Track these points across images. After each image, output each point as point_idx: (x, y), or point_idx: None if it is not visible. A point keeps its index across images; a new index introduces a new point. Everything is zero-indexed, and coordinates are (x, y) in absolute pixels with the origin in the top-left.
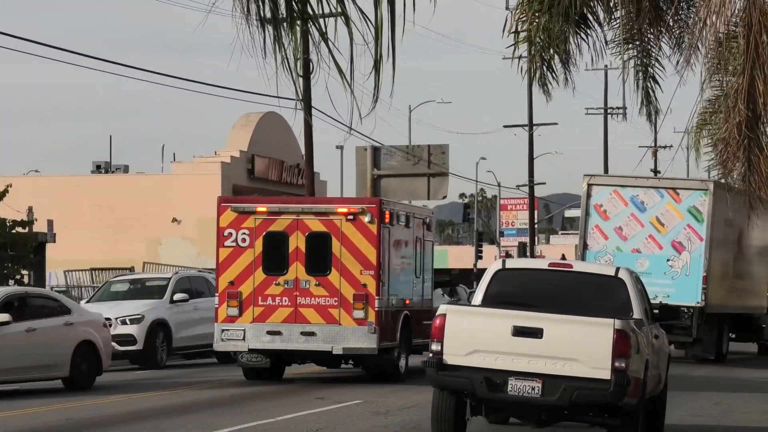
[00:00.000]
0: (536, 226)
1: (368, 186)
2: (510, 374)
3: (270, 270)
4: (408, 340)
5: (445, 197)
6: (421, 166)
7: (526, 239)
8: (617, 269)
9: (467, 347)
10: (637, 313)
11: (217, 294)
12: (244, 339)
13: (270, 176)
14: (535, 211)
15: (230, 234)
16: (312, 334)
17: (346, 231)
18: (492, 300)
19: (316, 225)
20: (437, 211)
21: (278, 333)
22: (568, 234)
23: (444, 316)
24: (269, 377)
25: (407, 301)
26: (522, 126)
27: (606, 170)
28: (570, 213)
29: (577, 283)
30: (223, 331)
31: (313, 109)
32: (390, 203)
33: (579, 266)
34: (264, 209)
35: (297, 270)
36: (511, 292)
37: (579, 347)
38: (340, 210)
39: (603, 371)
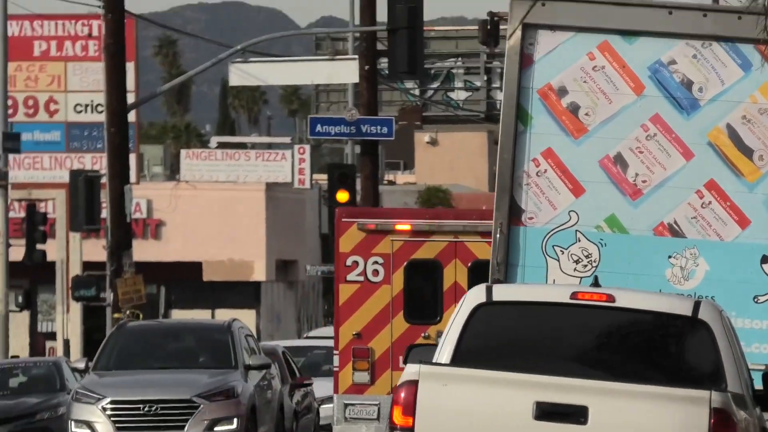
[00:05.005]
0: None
1: None
2: None
3: (415, 316)
4: None
5: None
6: None
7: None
8: (696, 304)
9: None
10: (733, 383)
11: (336, 352)
12: (378, 418)
13: None
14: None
15: (356, 263)
16: None
17: None
18: (470, 359)
19: (484, 250)
20: None
21: None
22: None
23: (414, 384)
24: None
25: None
26: None
27: None
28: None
29: (623, 329)
30: (347, 406)
31: None
32: None
33: (625, 298)
34: (407, 227)
35: None
36: (505, 345)
37: None
38: None
39: None
